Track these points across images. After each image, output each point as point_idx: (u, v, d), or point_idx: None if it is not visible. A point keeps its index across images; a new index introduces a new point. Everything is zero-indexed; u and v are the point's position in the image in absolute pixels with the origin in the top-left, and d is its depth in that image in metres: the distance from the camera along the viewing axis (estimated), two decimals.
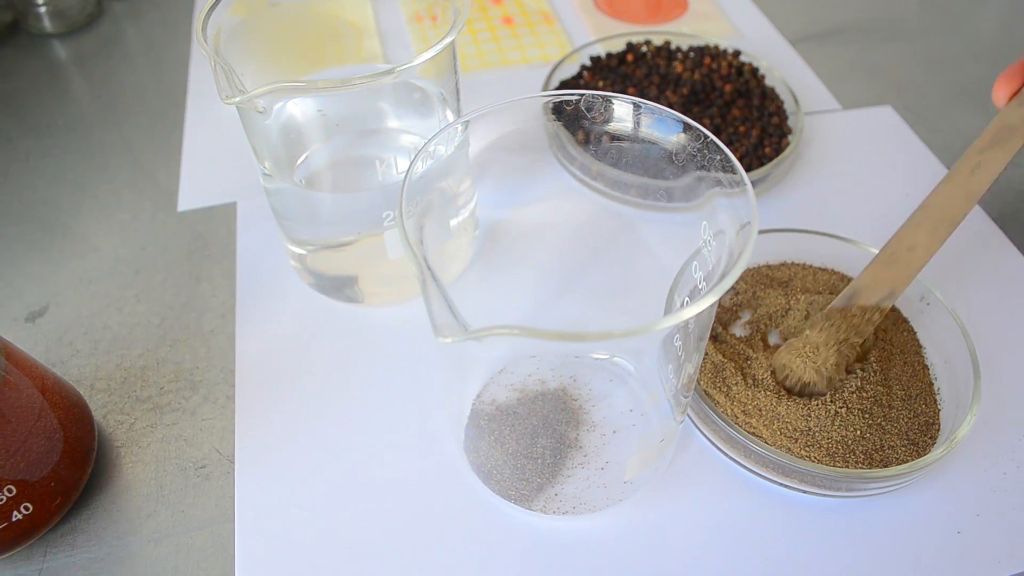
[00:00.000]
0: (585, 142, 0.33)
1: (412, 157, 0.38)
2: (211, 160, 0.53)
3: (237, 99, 0.32)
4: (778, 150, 0.49)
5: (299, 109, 0.41)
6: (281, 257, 0.45)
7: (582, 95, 0.30)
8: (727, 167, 0.27)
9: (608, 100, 0.29)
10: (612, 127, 0.30)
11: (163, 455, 0.37)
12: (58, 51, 0.64)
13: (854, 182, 0.51)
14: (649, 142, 0.29)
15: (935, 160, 0.52)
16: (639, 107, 0.28)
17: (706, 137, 0.28)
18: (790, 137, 0.50)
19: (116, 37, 0.65)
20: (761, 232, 0.44)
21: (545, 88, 0.53)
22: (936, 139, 0.54)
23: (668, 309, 0.38)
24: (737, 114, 0.51)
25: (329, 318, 0.42)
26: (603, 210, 0.46)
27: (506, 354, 0.40)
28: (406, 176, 0.26)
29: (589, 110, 0.30)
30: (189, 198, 0.50)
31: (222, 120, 0.56)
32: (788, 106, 0.53)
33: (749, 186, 0.26)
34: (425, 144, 0.28)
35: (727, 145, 0.49)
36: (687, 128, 0.28)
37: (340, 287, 0.42)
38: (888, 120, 0.55)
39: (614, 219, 0.46)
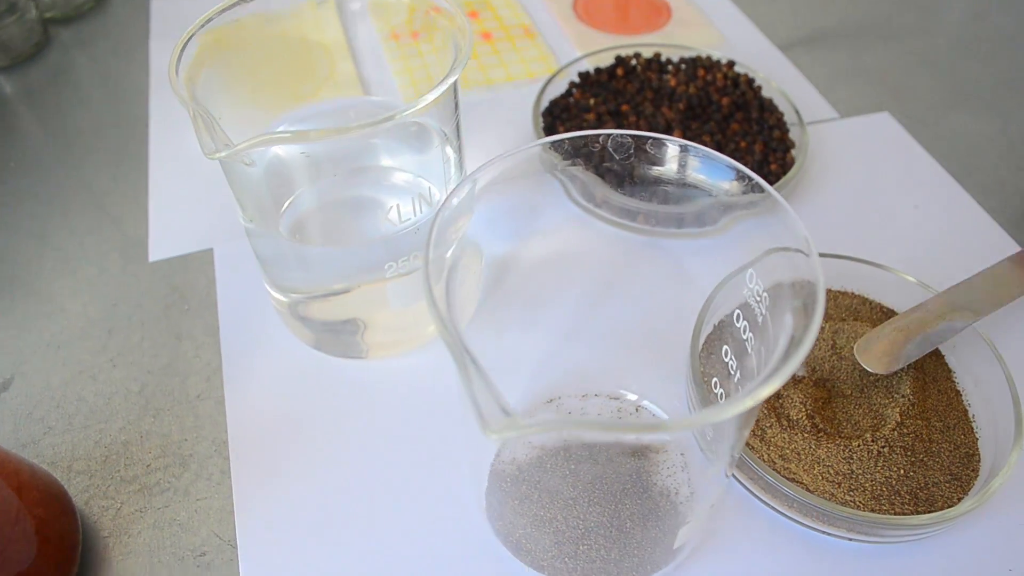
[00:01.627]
0: (618, 185, 0.30)
1: (412, 198, 0.35)
2: (181, 201, 0.49)
3: (223, 154, 0.29)
4: (783, 165, 0.47)
5: (283, 150, 0.38)
6: (267, 308, 0.42)
7: (610, 135, 0.27)
8: (774, 213, 0.25)
9: (646, 142, 0.26)
10: (655, 172, 0.27)
11: (156, 544, 0.34)
12: (3, 85, 0.59)
13: (861, 196, 0.49)
14: (695, 187, 0.26)
15: (939, 168, 0.51)
16: (686, 149, 0.26)
17: (754, 181, 0.25)
18: (794, 152, 0.48)
19: (66, 68, 0.61)
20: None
21: (536, 110, 0.50)
22: (937, 146, 0.52)
23: (695, 350, 0.36)
24: (736, 128, 0.49)
25: (326, 374, 0.39)
26: (611, 238, 0.43)
27: (522, 401, 0.38)
28: (427, 250, 0.23)
29: (617, 150, 0.28)
30: (161, 246, 0.46)
31: (190, 156, 0.52)
32: (788, 117, 0.51)
33: (817, 264, 0.23)
34: (440, 209, 0.25)
35: None
36: (739, 176, 0.25)
37: (338, 335, 0.39)
38: (887, 127, 0.54)
39: (621, 248, 0.44)
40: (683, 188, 0.27)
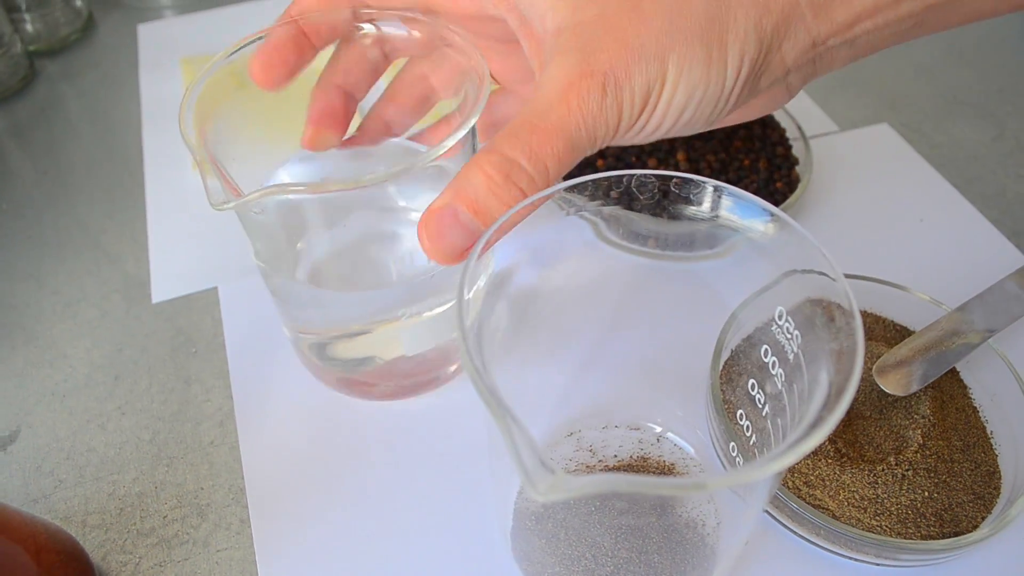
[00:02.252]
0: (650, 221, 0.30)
1: None
2: (182, 238, 0.48)
3: (231, 204, 0.28)
4: (789, 183, 0.47)
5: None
6: (277, 347, 0.41)
7: (632, 175, 0.27)
8: (809, 259, 0.24)
9: (679, 182, 0.26)
10: (690, 211, 0.27)
11: None
12: None
13: (865, 211, 0.49)
14: (728, 227, 0.26)
15: (941, 179, 0.51)
16: (718, 191, 0.25)
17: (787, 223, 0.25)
18: (798, 168, 0.48)
19: (54, 101, 0.60)
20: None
21: None
22: (937, 155, 0.53)
23: (714, 378, 0.36)
24: (740, 146, 0.49)
25: (342, 414, 0.39)
26: (622, 264, 0.43)
27: (543, 435, 0.37)
28: (460, 324, 0.23)
29: (641, 190, 0.27)
30: (163, 286, 0.45)
31: (188, 189, 0.51)
32: (790, 133, 0.51)
33: (856, 313, 0.23)
34: (462, 287, 0.24)
35: (737, 183, 0.47)
36: (773, 217, 0.25)
37: (352, 377, 0.38)
38: (887, 139, 0.54)
39: (632, 273, 0.43)
40: (716, 227, 0.26)
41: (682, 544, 0.32)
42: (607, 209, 0.28)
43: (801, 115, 0.56)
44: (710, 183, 0.25)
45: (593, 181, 0.27)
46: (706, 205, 0.26)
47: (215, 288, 0.45)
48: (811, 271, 0.25)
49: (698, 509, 0.34)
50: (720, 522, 0.33)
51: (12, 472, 0.37)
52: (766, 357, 0.29)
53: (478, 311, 0.25)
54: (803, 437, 0.21)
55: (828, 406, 0.22)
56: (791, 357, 0.27)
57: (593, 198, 0.28)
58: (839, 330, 0.24)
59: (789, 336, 0.27)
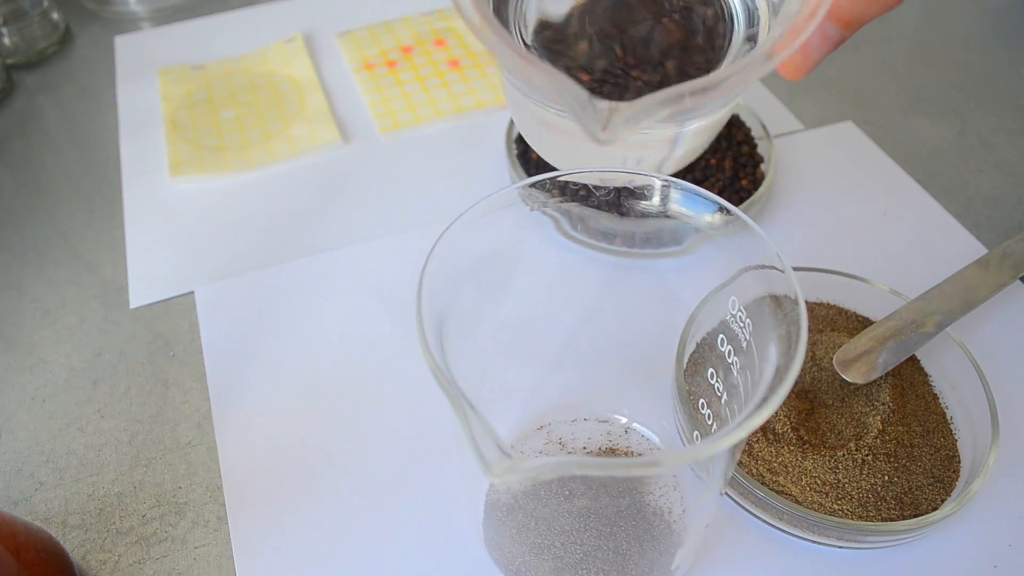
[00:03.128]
0: (606, 216, 0.31)
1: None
2: (158, 245, 0.49)
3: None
4: (754, 181, 0.48)
5: None
6: (254, 349, 0.42)
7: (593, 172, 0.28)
8: (742, 234, 0.26)
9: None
10: (641, 206, 0.28)
11: None
12: None
13: (830, 207, 0.50)
14: (678, 219, 0.27)
15: (904, 174, 0.52)
16: (667, 185, 0.27)
17: (734, 214, 0.26)
18: (763, 166, 0.49)
19: (33, 113, 0.60)
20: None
21: (509, 136, 0.51)
22: (900, 151, 0.54)
23: (679, 370, 0.37)
24: None
25: (317, 412, 0.39)
26: (590, 261, 0.44)
27: (513, 430, 0.38)
28: (419, 302, 0.24)
29: (598, 187, 0.28)
30: (141, 292, 0.46)
31: (164, 199, 0.52)
32: (755, 131, 0.52)
33: (799, 297, 0.24)
34: (427, 259, 0.25)
35: (703, 181, 0.48)
36: (720, 208, 0.26)
37: None
38: (851, 136, 0.55)
39: (600, 270, 0.44)
40: (666, 219, 0.27)
41: (650, 532, 0.33)
42: (566, 205, 0.29)
43: (767, 114, 0.57)
44: (660, 178, 0.27)
45: (552, 178, 0.28)
46: (656, 199, 0.27)
47: (191, 293, 0.45)
48: (765, 266, 0.26)
49: (665, 496, 0.35)
50: (685, 509, 0.34)
51: None
52: (723, 347, 0.30)
53: (441, 304, 0.26)
54: (751, 415, 0.22)
55: (773, 387, 0.23)
56: (744, 345, 0.28)
57: (553, 194, 0.29)
58: (786, 316, 0.25)
59: (742, 325, 0.28)
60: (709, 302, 0.37)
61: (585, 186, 0.28)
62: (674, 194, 0.27)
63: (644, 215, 0.28)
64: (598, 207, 0.29)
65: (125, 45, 0.66)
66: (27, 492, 0.37)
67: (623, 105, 0.22)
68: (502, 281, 0.30)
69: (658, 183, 0.27)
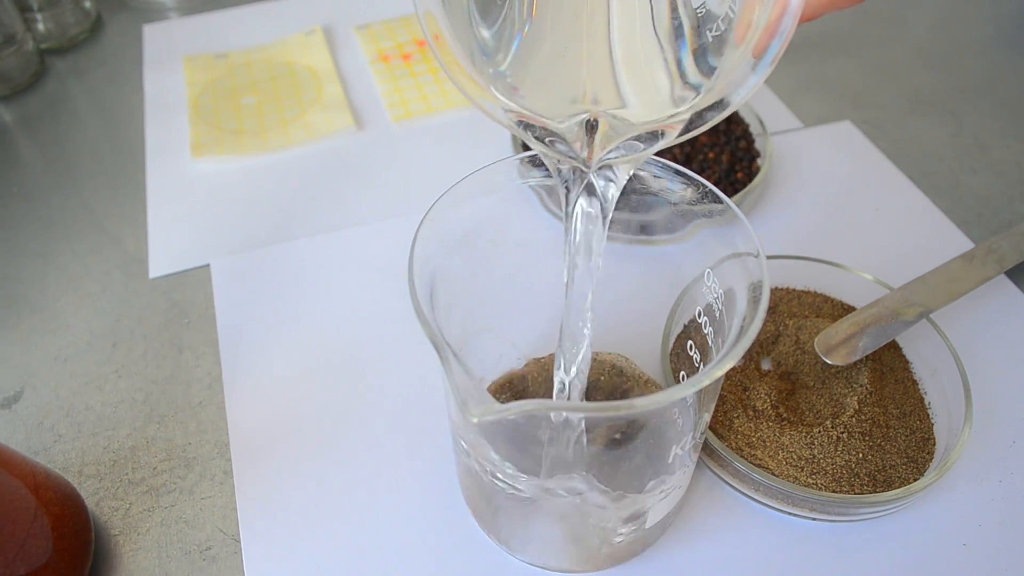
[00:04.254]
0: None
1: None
2: (178, 221, 0.51)
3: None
4: (749, 174, 0.50)
5: None
6: (263, 317, 0.44)
7: None
8: (722, 216, 0.27)
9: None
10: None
11: (164, 540, 0.36)
12: (2, 115, 0.61)
13: (824, 201, 0.52)
14: (652, 194, 0.29)
15: (898, 172, 0.54)
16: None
17: (707, 188, 0.28)
18: (759, 161, 0.51)
19: (63, 96, 0.63)
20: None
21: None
22: (896, 150, 0.55)
23: (665, 345, 0.39)
24: (704, 140, 0.52)
25: (321, 378, 0.42)
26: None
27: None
28: (411, 255, 0.26)
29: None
30: (160, 263, 0.48)
31: (185, 177, 0.54)
32: (753, 128, 0.54)
33: (762, 254, 0.26)
34: (422, 220, 0.27)
35: (700, 173, 0.50)
36: (690, 182, 0.28)
37: None
38: (849, 135, 0.57)
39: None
40: (644, 196, 0.29)
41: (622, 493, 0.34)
42: (550, 181, 0.31)
43: (767, 112, 0.58)
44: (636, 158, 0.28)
45: (537, 155, 0.30)
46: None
47: (207, 265, 0.48)
48: (746, 254, 0.28)
49: (641, 456, 0.35)
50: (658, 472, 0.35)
51: (16, 428, 0.40)
52: (700, 318, 0.32)
53: (433, 266, 0.28)
54: (715, 365, 0.24)
55: (736, 340, 0.25)
56: (718, 316, 0.30)
57: (540, 167, 0.31)
58: (756, 286, 0.27)
59: (717, 297, 0.30)
60: (695, 286, 0.39)
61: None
62: (650, 170, 0.28)
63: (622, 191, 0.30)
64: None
65: (153, 33, 0.69)
66: (47, 443, 0.40)
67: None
68: (491, 249, 0.32)
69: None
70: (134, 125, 0.59)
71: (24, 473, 0.32)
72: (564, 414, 0.28)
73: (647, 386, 0.40)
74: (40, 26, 0.66)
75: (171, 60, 0.65)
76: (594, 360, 0.40)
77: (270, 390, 0.41)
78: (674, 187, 0.28)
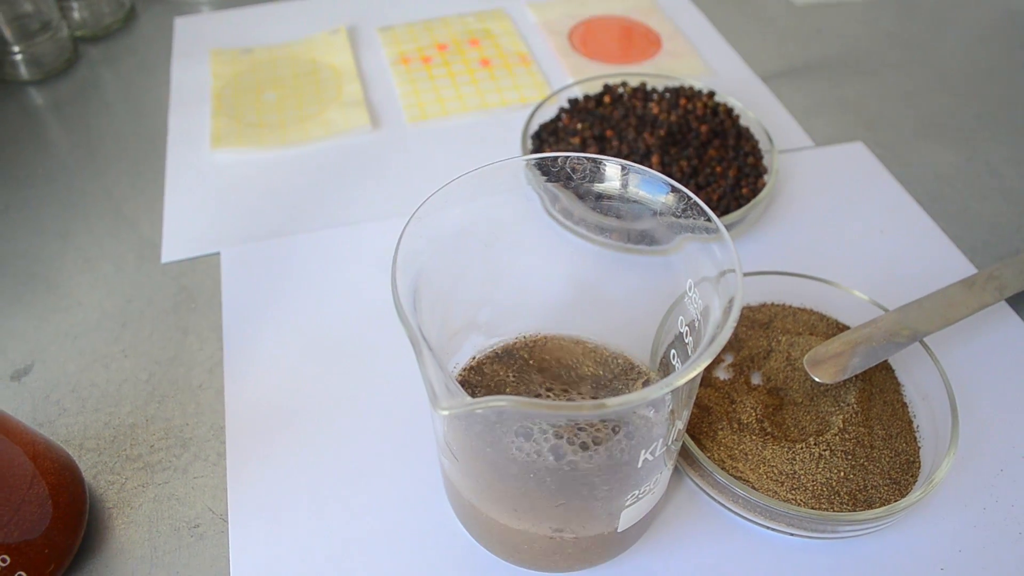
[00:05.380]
0: (577, 198, 0.34)
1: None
2: (193, 209, 0.53)
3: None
4: (755, 190, 0.50)
5: None
6: (266, 307, 0.46)
7: (568, 157, 0.31)
8: (711, 231, 0.28)
9: (594, 162, 0.30)
10: (600, 188, 0.31)
11: (156, 515, 0.37)
12: (35, 98, 0.64)
13: (829, 220, 0.52)
14: (636, 202, 0.30)
15: (907, 196, 0.54)
16: (626, 169, 0.29)
17: (690, 199, 0.29)
18: (766, 177, 0.52)
19: (93, 83, 0.65)
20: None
21: (525, 132, 0.53)
22: (907, 174, 0.55)
23: (654, 356, 0.39)
24: (713, 154, 0.53)
25: (320, 369, 0.43)
26: (584, 251, 0.46)
27: None
28: (397, 250, 0.27)
29: (574, 172, 0.31)
30: (172, 249, 0.50)
31: (203, 168, 0.56)
32: (763, 145, 0.54)
33: (738, 263, 0.26)
34: (413, 214, 0.28)
35: (705, 187, 0.51)
36: (673, 190, 0.29)
37: None
38: (860, 156, 0.57)
39: (598, 263, 0.47)
40: (628, 203, 0.30)
41: (593, 496, 0.34)
42: (550, 184, 0.32)
43: (778, 130, 0.59)
44: (619, 163, 0.29)
45: (540, 158, 0.31)
46: (617, 183, 0.30)
47: (218, 253, 0.49)
48: (727, 270, 0.28)
49: (611, 459, 0.36)
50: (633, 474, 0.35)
51: (23, 400, 0.42)
52: (681, 327, 0.33)
53: (419, 263, 0.29)
54: (683, 371, 0.25)
55: (705, 348, 0.25)
56: (697, 327, 0.31)
57: (542, 173, 0.32)
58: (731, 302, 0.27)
59: (694, 304, 0.30)
60: (683, 300, 0.39)
61: (564, 169, 0.31)
62: (633, 177, 0.29)
63: (604, 197, 0.30)
64: (575, 190, 0.32)
65: (184, 26, 0.70)
66: (51, 416, 0.41)
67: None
68: (484, 250, 0.33)
69: (619, 167, 0.29)
70: (158, 114, 0.61)
71: (24, 441, 0.33)
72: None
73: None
74: (76, 14, 0.68)
75: (199, 53, 0.67)
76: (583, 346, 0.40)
77: (268, 378, 0.42)
78: (655, 195, 0.29)
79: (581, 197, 0.33)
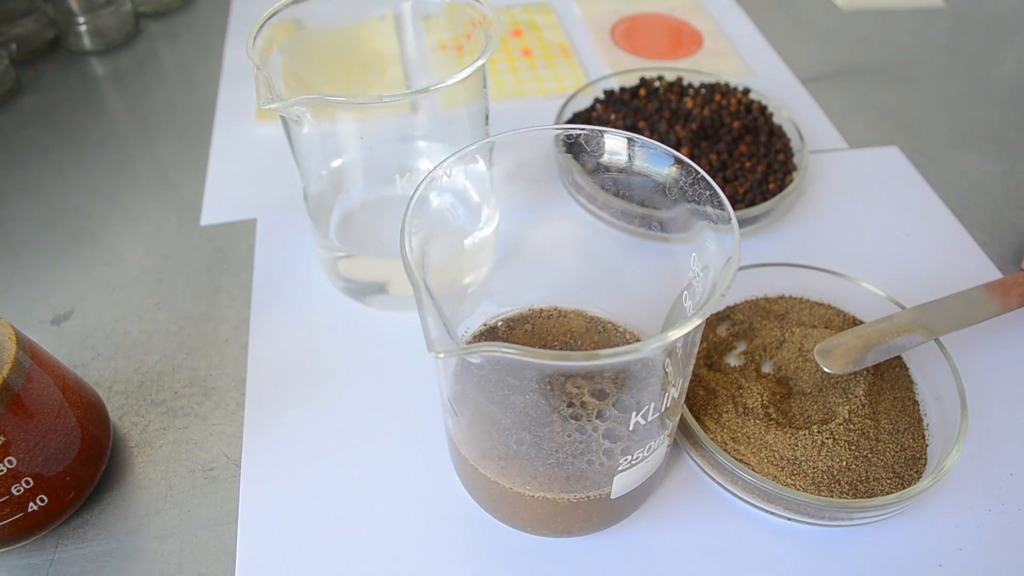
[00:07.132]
0: (592, 172, 0.35)
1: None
2: (234, 177, 0.55)
3: (274, 105, 0.34)
4: (782, 186, 0.51)
5: (337, 128, 0.45)
6: (295, 272, 0.47)
7: (583, 130, 0.32)
8: (716, 203, 0.29)
9: (602, 134, 0.31)
10: (608, 160, 0.31)
11: (173, 456, 0.39)
12: (96, 68, 0.67)
13: (856, 220, 0.52)
14: (643, 175, 0.31)
15: (938, 201, 0.53)
16: (633, 141, 0.30)
17: (697, 172, 0.29)
18: (794, 174, 0.52)
19: (151, 56, 0.68)
20: (760, 266, 0.45)
21: (558, 120, 0.54)
22: (940, 180, 0.55)
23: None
24: (744, 150, 0.53)
25: (339, 331, 0.44)
26: (607, 237, 0.47)
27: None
28: (412, 197, 0.28)
29: (588, 143, 0.32)
30: (212, 213, 0.52)
31: (247, 140, 0.58)
32: (794, 144, 0.54)
33: (735, 222, 0.27)
34: (433, 169, 0.29)
35: (732, 180, 0.51)
36: (678, 162, 0.29)
37: (368, 292, 0.45)
38: (894, 160, 0.57)
39: (617, 246, 0.48)
40: (633, 175, 0.31)
41: (586, 453, 0.35)
42: (561, 156, 0.33)
43: (813, 131, 0.59)
44: (625, 135, 0.30)
45: (560, 130, 0.32)
46: (624, 155, 0.31)
47: (255, 219, 0.51)
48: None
49: (606, 427, 0.36)
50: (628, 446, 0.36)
51: (60, 343, 0.44)
52: (685, 303, 0.33)
53: (431, 214, 0.30)
54: (673, 330, 0.25)
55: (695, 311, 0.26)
56: (699, 296, 0.31)
57: (561, 146, 0.33)
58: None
59: (699, 279, 0.31)
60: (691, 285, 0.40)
61: (577, 142, 0.32)
62: (639, 151, 0.30)
63: (610, 169, 0.31)
64: (585, 163, 0.33)
65: (241, 6, 0.73)
66: (85, 359, 0.43)
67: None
68: (522, 231, 0.34)
69: (624, 139, 0.30)
70: (209, 88, 0.64)
71: (56, 374, 0.36)
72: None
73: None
74: None
75: (267, 28, 0.69)
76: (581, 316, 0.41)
77: (290, 337, 0.44)
78: (660, 167, 0.30)
79: (596, 170, 0.34)
